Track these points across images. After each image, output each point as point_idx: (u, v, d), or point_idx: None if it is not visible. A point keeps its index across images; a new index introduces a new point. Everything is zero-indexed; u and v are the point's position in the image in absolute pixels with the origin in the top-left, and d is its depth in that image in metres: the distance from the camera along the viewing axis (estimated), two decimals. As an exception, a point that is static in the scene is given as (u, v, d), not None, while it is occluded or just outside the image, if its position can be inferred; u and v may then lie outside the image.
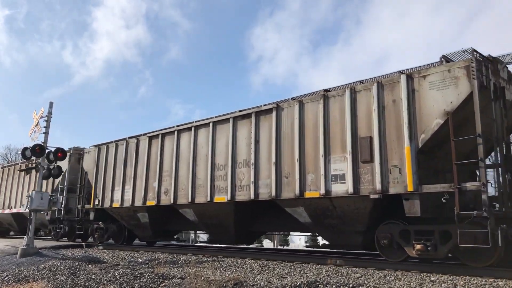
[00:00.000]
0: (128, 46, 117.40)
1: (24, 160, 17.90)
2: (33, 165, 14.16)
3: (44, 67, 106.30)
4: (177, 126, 12.41)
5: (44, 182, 16.31)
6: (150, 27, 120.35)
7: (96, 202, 14.64)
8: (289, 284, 6.33)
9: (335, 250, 11.73)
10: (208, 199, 10.93)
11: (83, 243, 14.98)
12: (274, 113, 9.76)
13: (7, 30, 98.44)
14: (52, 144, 13.16)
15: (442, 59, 7.94)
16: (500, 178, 7.49)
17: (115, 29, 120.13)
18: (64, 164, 15.77)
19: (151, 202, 12.62)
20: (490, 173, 7.73)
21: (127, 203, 13.40)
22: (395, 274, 6.93)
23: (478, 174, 7.38)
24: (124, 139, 14.16)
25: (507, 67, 8.27)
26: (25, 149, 12.80)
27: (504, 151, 7.86)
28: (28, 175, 19.49)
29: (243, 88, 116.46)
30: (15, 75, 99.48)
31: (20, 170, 19.45)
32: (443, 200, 7.21)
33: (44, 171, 13.01)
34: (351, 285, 6.06)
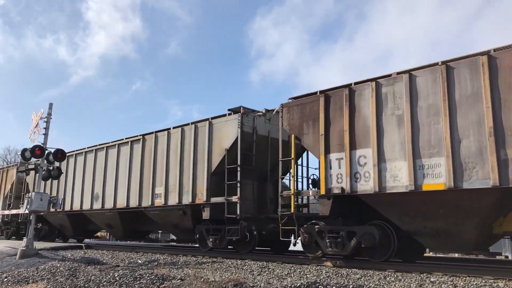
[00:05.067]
0: (125, 40, 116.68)
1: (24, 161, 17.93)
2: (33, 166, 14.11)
3: (40, 64, 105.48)
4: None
5: (188, 161, 11.95)
6: (146, 20, 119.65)
7: (336, 184, 8.80)
8: (289, 285, 6.33)
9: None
10: None
11: (83, 245, 14.95)
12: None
13: (0, 24, 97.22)
14: (49, 145, 13.14)
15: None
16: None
17: (109, 21, 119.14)
18: (231, 131, 11.06)
19: None
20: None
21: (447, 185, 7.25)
22: (395, 275, 6.93)
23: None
24: (408, 72, 8.15)
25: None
26: (24, 150, 12.79)
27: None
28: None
29: (243, 85, 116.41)
30: (9, 73, 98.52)
31: (19, 171, 19.50)
32: None
33: (43, 172, 13.00)
34: (351, 286, 6.06)
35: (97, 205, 15.21)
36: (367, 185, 8.36)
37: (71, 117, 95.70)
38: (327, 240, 8.85)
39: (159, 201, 12.59)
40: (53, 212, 16.50)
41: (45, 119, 13.28)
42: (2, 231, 22.62)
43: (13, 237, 21.05)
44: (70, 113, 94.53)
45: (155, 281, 7.39)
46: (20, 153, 13.05)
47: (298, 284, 6.33)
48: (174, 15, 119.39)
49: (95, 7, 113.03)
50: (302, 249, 10.07)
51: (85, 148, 16.65)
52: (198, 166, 11.80)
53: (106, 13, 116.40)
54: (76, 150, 17.11)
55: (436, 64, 7.86)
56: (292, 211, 9.49)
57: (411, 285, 6.14)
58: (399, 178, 7.93)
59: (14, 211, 20.27)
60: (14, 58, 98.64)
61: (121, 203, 14.03)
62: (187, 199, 11.84)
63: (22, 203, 18.42)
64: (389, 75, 8.53)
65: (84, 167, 16.34)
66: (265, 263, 9.12)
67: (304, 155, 11.27)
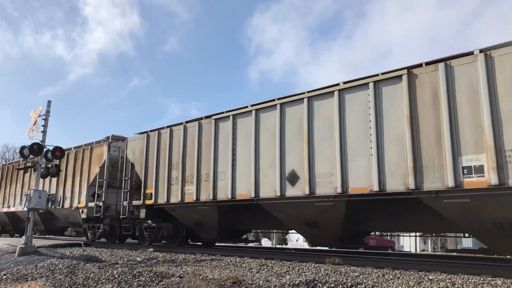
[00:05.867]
0: (123, 37, 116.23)
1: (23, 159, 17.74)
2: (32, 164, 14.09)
3: (37, 61, 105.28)
4: None
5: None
6: (144, 16, 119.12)
7: None
8: (287, 283, 6.33)
9: (333, 249, 11.73)
10: None
11: (82, 242, 14.92)
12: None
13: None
14: (48, 142, 13.11)
15: None
16: None
17: (107, 17, 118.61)
18: None
19: None
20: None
21: None
22: (394, 273, 6.94)
23: None
24: None
25: None
26: (23, 147, 12.78)
27: None
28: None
29: (241, 82, 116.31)
30: (7, 70, 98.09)
31: (18, 169, 19.42)
32: None
33: (42, 169, 12.98)
34: (349, 284, 6.06)
35: (294, 191, 9.51)
36: None
37: (70, 115, 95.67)
38: None
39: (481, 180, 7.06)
40: (192, 203, 11.74)
41: (43, 117, 13.28)
42: (85, 230, 16.47)
43: (102, 239, 16.00)
44: (68, 111, 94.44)
45: (154, 278, 7.40)
46: (18, 150, 13.05)
47: (297, 282, 6.33)
48: (172, 12, 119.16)
49: (92, 3, 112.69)
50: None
51: (247, 106, 10.95)
52: None
53: (104, 9, 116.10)
54: (233, 110, 11.33)
55: None
56: None
57: (410, 282, 6.14)
58: None
59: (13, 209, 20.17)
60: (11, 55, 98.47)
61: (362, 185, 8.54)
62: None
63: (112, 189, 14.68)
64: None
65: (256, 133, 10.56)
66: (263, 260, 9.13)
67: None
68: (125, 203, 13.83)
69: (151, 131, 13.48)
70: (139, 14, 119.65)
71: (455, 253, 11.64)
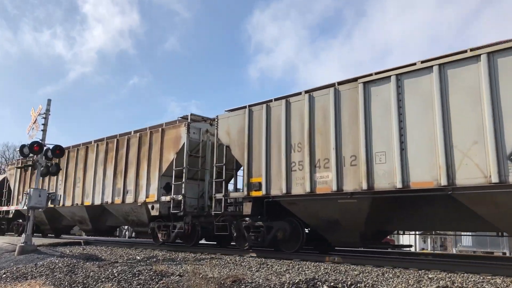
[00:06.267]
0: (123, 35, 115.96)
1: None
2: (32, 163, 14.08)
3: (37, 59, 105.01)
4: None
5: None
6: (143, 14, 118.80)
7: None
8: (287, 282, 6.33)
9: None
10: None
11: (81, 241, 14.93)
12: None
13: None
14: (48, 141, 13.09)
15: None
16: None
17: (107, 15, 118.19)
18: None
19: None
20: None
21: None
22: (393, 272, 6.94)
23: None
24: None
25: None
26: (23, 146, 12.78)
27: None
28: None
29: (241, 81, 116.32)
30: (6, 68, 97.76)
31: (18, 167, 19.41)
32: None
33: (42, 168, 12.98)
34: (349, 283, 6.06)
35: None
36: None
37: (70, 114, 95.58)
38: None
39: None
40: (328, 194, 8.90)
41: (43, 115, 13.27)
42: (153, 230, 13.47)
43: (177, 240, 13.31)
44: (68, 110, 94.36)
45: (153, 277, 7.40)
46: (18, 149, 13.05)
47: (297, 280, 6.33)
48: (172, 10, 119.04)
49: (92, 1, 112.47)
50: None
51: (416, 63, 8.05)
52: None
53: (103, 7, 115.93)
54: (395, 69, 8.39)
55: None
56: None
57: (409, 281, 6.14)
58: None
59: (13, 207, 20.10)
60: (10, 53, 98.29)
61: None
62: None
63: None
64: None
65: (442, 97, 7.60)
66: (263, 259, 9.12)
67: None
68: (220, 195, 11.10)
69: (250, 106, 10.80)
70: (138, 12, 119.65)
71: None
